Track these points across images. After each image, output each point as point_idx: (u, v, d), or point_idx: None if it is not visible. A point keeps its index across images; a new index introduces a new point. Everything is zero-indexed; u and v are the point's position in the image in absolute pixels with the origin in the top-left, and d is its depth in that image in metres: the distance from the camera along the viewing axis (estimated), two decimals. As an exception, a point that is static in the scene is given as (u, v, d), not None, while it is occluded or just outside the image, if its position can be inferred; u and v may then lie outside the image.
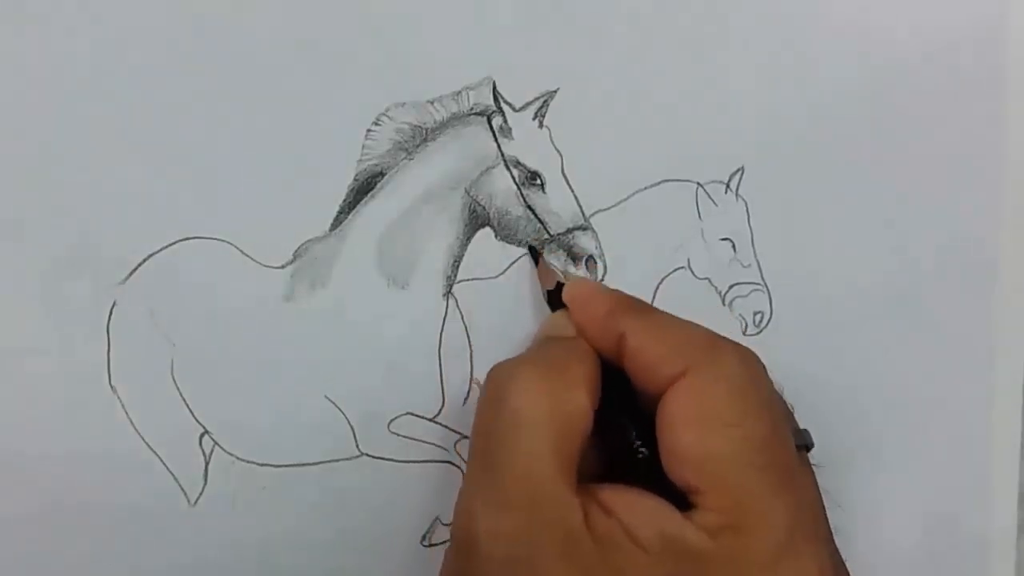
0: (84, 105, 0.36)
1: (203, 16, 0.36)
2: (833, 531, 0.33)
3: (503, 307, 0.38)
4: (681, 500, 0.31)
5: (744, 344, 0.33)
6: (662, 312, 0.35)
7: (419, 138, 0.38)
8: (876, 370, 0.42)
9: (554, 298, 0.37)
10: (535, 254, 0.38)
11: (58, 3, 0.35)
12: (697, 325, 0.34)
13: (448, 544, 0.33)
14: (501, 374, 0.33)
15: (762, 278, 0.41)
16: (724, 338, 0.33)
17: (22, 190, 0.36)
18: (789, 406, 0.35)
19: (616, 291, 0.36)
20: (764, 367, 0.33)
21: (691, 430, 0.31)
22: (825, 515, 0.33)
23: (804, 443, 0.34)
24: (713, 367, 0.32)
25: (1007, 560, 0.43)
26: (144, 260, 0.36)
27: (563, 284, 0.37)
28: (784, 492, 0.30)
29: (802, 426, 0.35)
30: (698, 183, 0.40)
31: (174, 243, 0.37)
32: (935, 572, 0.43)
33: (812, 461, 0.34)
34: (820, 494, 0.33)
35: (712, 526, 0.30)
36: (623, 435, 0.33)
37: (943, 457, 0.42)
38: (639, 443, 0.33)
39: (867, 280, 0.42)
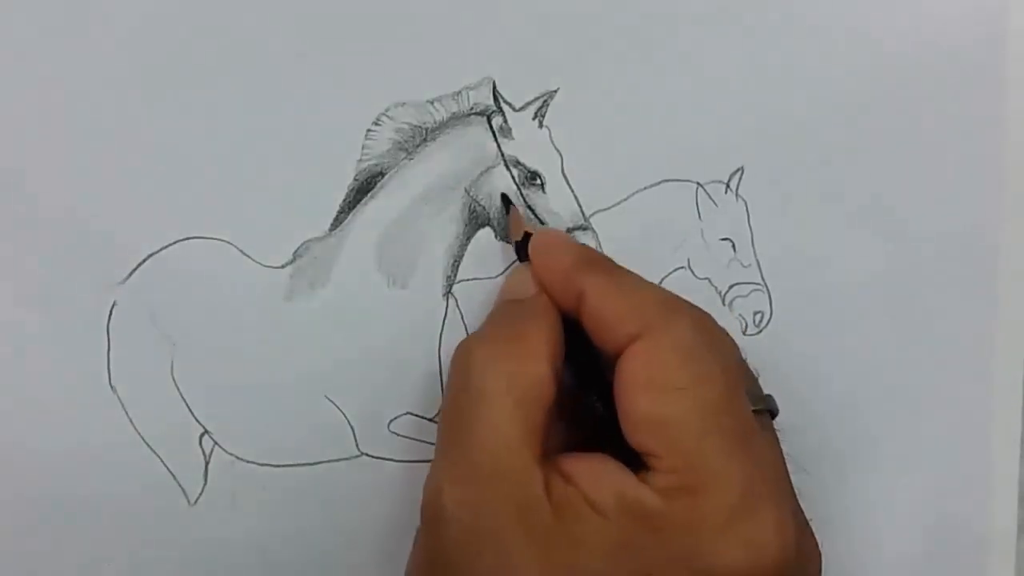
0: (84, 105, 0.36)
1: (203, 16, 0.36)
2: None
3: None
4: (640, 463, 0.31)
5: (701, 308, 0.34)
6: (625, 271, 0.35)
7: (419, 138, 0.38)
8: (876, 370, 0.42)
9: (521, 249, 0.37)
10: (507, 203, 0.38)
11: (58, 3, 0.35)
12: (657, 287, 0.34)
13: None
14: (462, 351, 0.33)
15: (762, 278, 0.41)
16: (681, 300, 0.33)
17: (22, 190, 0.36)
18: (753, 371, 0.35)
19: (583, 246, 0.36)
20: (723, 331, 0.34)
21: (644, 393, 0.31)
22: (786, 478, 0.33)
23: (768, 408, 0.34)
24: (667, 330, 0.32)
25: (1007, 560, 0.43)
26: (144, 260, 0.36)
27: (530, 234, 0.37)
28: (738, 453, 0.30)
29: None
30: (698, 183, 0.40)
31: (174, 243, 0.37)
32: (935, 572, 0.43)
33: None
34: (782, 457, 0.33)
35: (666, 488, 0.30)
36: (585, 396, 0.33)
37: (943, 457, 0.42)
38: (597, 402, 0.33)
39: (867, 280, 0.42)
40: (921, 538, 0.43)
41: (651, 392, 0.31)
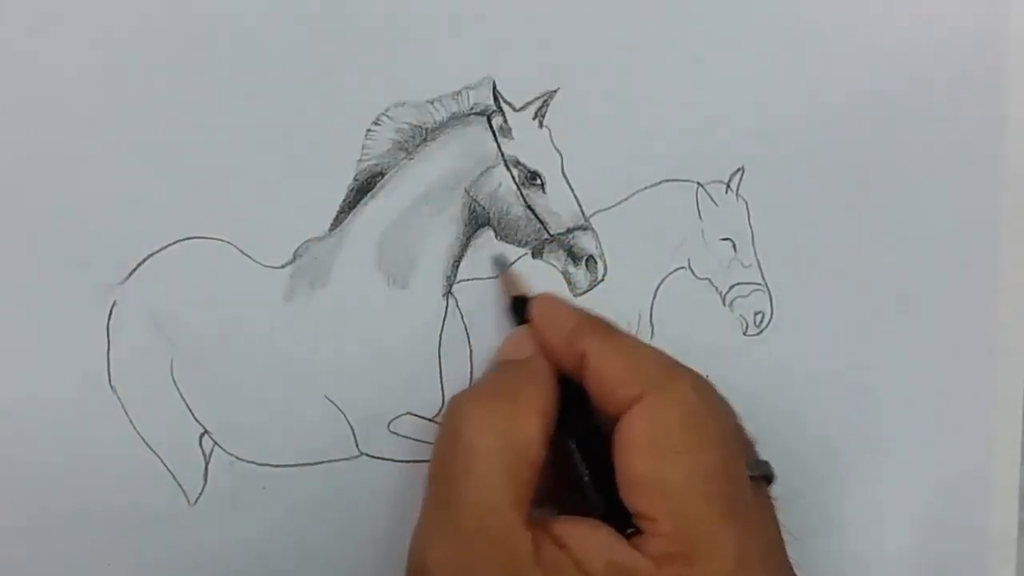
0: (84, 105, 0.36)
1: (203, 16, 0.36)
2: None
3: (503, 307, 0.38)
4: (634, 526, 0.31)
5: (698, 372, 0.34)
6: (625, 334, 0.35)
7: (419, 138, 0.38)
8: (876, 370, 0.42)
9: (516, 308, 0.37)
10: (500, 265, 0.38)
11: (59, 3, 0.35)
12: (657, 350, 0.34)
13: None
14: (454, 406, 0.33)
15: (762, 278, 0.41)
16: (681, 365, 0.34)
17: (22, 190, 0.36)
18: (751, 437, 0.35)
19: (581, 309, 0.36)
20: (723, 397, 0.34)
21: (642, 456, 0.31)
22: (780, 547, 0.33)
23: (764, 474, 0.34)
24: (668, 393, 0.32)
25: (1007, 560, 0.43)
26: (144, 260, 0.36)
27: (524, 297, 0.37)
28: (734, 520, 0.30)
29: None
30: (698, 183, 0.40)
31: (174, 243, 0.37)
32: (935, 572, 0.43)
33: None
34: (776, 524, 0.33)
35: (660, 554, 0.30)
36: (577, 459, 0.33)
37: (943, 457, 0.42)
38: (586, 473, 0.33)
39: (867, 280, 0.42)
40: (921, 539, 0.43)
41: (651, 454, 0.31)
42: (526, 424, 0.32)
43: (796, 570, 0.33)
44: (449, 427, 0.33)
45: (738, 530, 0.30)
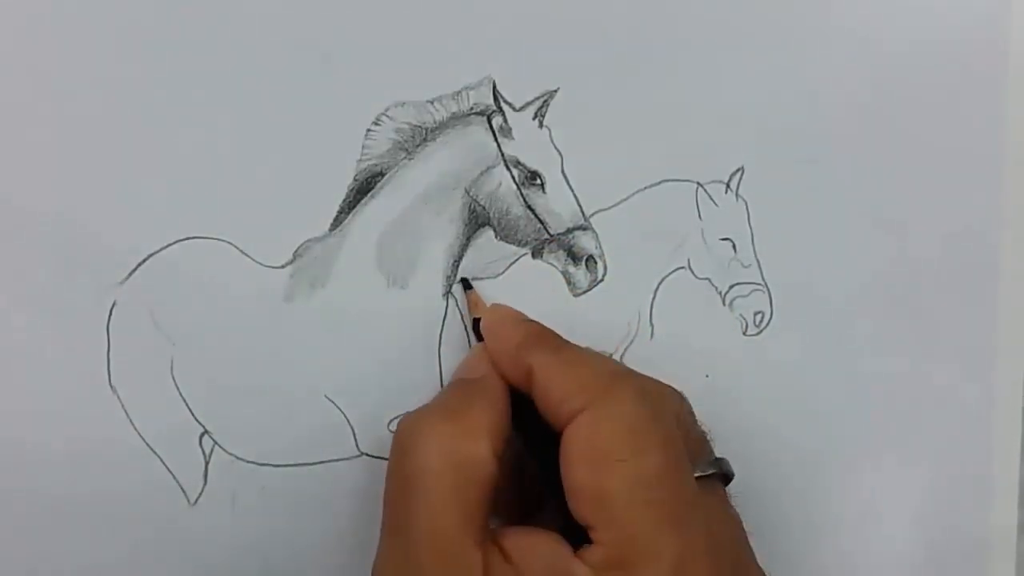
0: (84, 105, 0.36)
1: (203, 16, 0.36)
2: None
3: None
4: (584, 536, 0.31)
5: (653, 377, 0.34)
6: (572, 347, 0.35)
7: (419, 138, 0.38)
8: (876, 370, 0.42)
9: (476, 328, 0.37)
10: (467, 286, 0.38)
11: (58, 3, 0.35)
12: (604, 359, 0.34)
13: None
14: (404, 427, 0.33)
15: (762, 278, 0.41)
16: (628, 372, 0.34)
17: (22, 190, 0.36)
18: (707, 434, 0.35)
19: (532, 323, 0.36)
20: (672, 396, 0.34)
21: (583, 466, 0.31)
22: (733, 546, 0.33)
23: (722, 471, 0.34)
24: (609, 403, 0.32)
25: (1007, 560, 0.43)
26: (144, 260, 0.36)
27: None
28: (675, 528, 0.30)
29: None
30: (698, 183, 0.40)
31: (174, 243, 0.37)
32: (935, 572, 0.43)
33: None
34: (731, 526, 0.33)
35: (599, 563, 0.30)
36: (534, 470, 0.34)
37: (943, 457, 0.42)
38: (544, 485, 0.33)
39: (867, 280, 0.42)
40: (921, 538, 0.43)
41: (591, 464, 0.31)
42: (474, 444, 0.32)
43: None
44: (398, 449, 0.33)
45: (679, 536, 0.30)
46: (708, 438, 0.35)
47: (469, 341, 0.38)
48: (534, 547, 0.31)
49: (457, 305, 0.38)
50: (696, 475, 0.32)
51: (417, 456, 0.32)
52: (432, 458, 0.31)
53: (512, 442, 0.33)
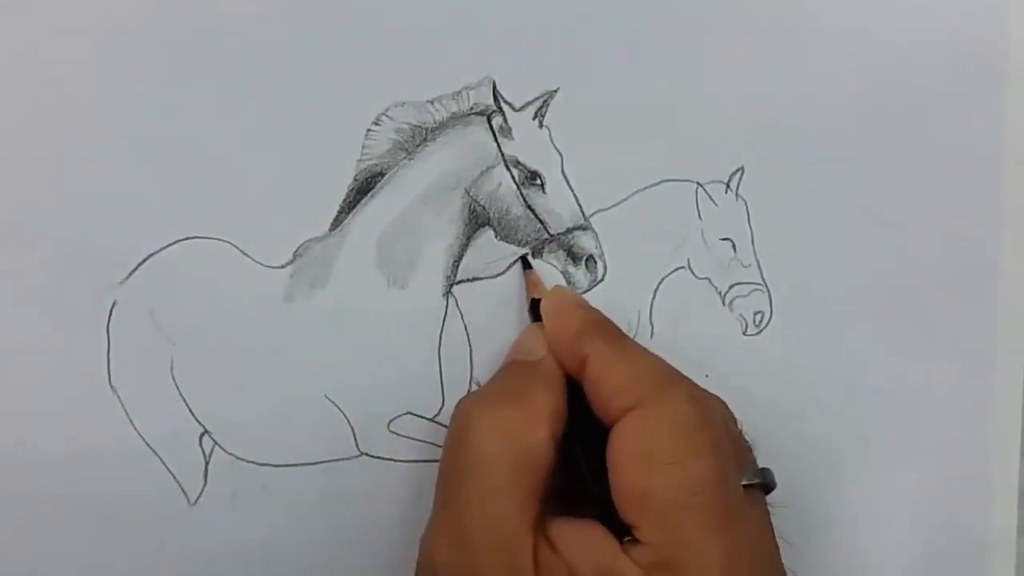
0: (84, 105, 0.36)
1: (203, 16, 0.36)
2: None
3: (503, 307, 0.38)
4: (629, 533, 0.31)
5: (700, 384, 0.34)
6: (629, 341, 0.35)
7: (419, 138, 0.38)
8: (876, 370, 0.42)
9: (533, 310, 0.37)
10: (526, 265, 0.38)
11: (58, 3, 0.35)
12: (658, 359, 0.34)
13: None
14: (463, 409, 0.33)
15: (762, 278, 0.41)
16: (679, 375, 0.34)
17: (22, 190, 0.36)
18: (750, 444, 0.35)
19: (592, 310, 0.36)
20: (720, 405, 0.34)
21: (632, 467, 0.31)
22: (772, 557, 0.33)
23: (764, 482, 0.34)
24: (661, 404, 0.32)
25: (1007, 560, 0.43)
26: (144, 260, 0.36)
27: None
28: (721, 532, 0.30)
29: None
30: (698, 183, 0.40)
31: (174, 243, 0.37)
32: (935, 572, 0.43)
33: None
34: (769, 535, 0.33)
35: (646, 562, 0.30)
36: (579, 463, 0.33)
37: (943, 457, 0.42)
38: (590, 477, 0.33)
39: (867, 280, 0.42)
40: (921, 538, 0.43)
41: (640, 464, 0.31)
42: (535, 430, 0.32)
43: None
44: (458, 431, 0.33)
45: (726, 542, 0.30)
46: (752, 447, 0.35)
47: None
48: (580, 539, 0.31)
49: (457, 305, 0.38)
50: (742, 483, 0.32)
51: (476, 440, 0.32)
52: (491, 443, 0.32)
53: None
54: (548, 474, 0.32)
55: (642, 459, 0.31)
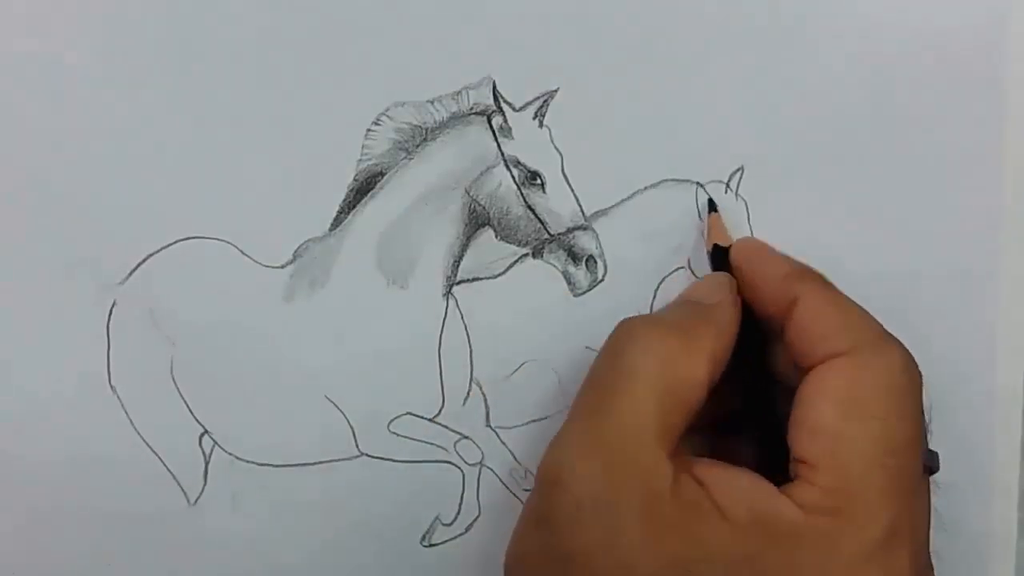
0: (84, 105, 0.36)
1: (203, 16, 0.36)
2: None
3: (503, 307, 0.38)
4: (782, 472, 0.31)
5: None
6: (838, 290, 0.35)
7: (419, 138, 0.38)
8: (876, 370, 0.42)
9: (715, 256, 0.37)
10: (712, 207, 0.38)
11: (58, 3, 0.35)
12: (871, 316, 0.34)
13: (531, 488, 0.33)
14: (625, 327, 0.33)
15: (762, 278, 0.41)
16: (894, 337, 0.33)
17: (22, 191, 0.36)
18: (927, 427, 0.35)
19: (790, 257, 0.36)
20: (922, 379, 0.33)
21: (832, 408, 0.31)
22: (927, 538, 0.32)
23: (929, 465, 0.33)
24: (877, 357, 0.32)
25: (1007, 560, 0.43)
26: (144, 260, 0.36)
27: (723, 247, 0.37)
28: (898, 496, 0.30)
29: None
30: (698, 183, 0.40)
31: (174, 243, 0.37)
32: (935, 572, 0.43)
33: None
34: (929, 517, 0.33)
35: (810, 503, 0.30)
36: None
37: (943, 457, 0.42)
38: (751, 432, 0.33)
39: (866, 279, 0.41)
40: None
41: (841, 408, 0.31)
42: (693, 364, 0.32)
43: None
44: (616, 345, 0.33)
45: (897, 509, 0.30)
46: (928, 429, 0.35)
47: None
48: (730, 479, 0.31)
49: (457, 305, 0.38)
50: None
51: (632, 358, 0.32)
52: (649, 363, 0.31)
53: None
54: (694, 412, 0.32)
55: (845, 404, 0.31)
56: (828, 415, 0.31)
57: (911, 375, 0.32)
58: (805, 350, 0.33)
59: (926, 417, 0.34)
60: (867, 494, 0.30)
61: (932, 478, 0.34)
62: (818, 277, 0.35)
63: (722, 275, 0.36)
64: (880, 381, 0.31)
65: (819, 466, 0.30)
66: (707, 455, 0.33)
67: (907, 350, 0.33)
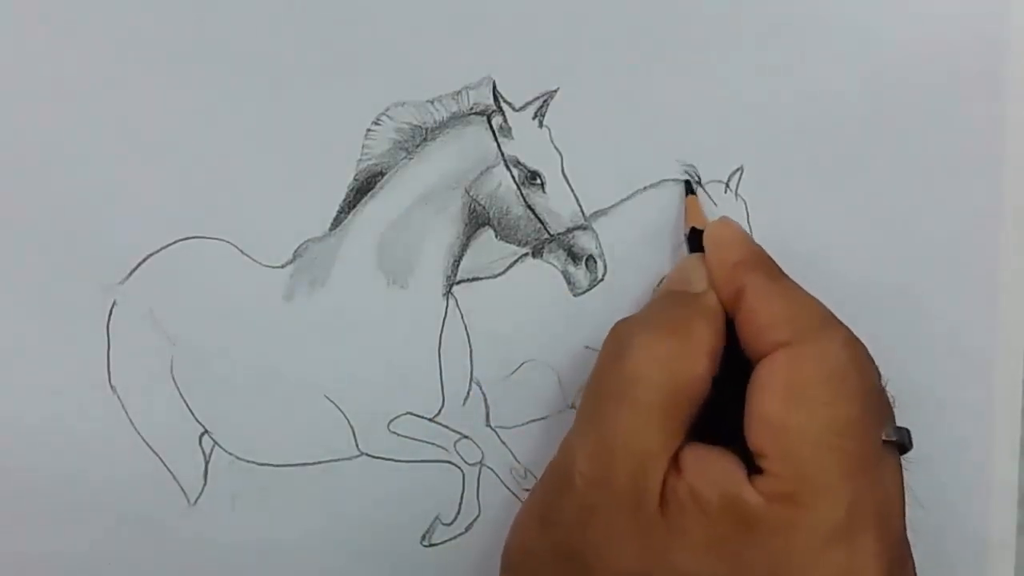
0: (84, 105, 0.36)
1: (203, 16, 0.36)
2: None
3: (503, 307, 0.38)
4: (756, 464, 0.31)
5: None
6: (788, 279, 0.35)
7: (419, 138, 0.38)
8: (876, 370, 0.42)
9: (692, 239, 0.37)
10: (689, 189, 0.38)
11: (58, 3, 0.35)
12: (818, 302, 0.34)
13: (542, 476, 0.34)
14: (622, 331, 0.33)
15: (762, 278, 0.41)
16: (837, 319, 0.33)
17: (22, 190, 0.36)
18: (891, 401, 0.34)
19: (755, 245, 0.36)
20: (870, 356, 0.33)
21: (777, 397, 0.31)
22: (899, 511, 0.32)
23: (900, 441, 0.33)
24: (818, 343, 0.32)
25: (1007, 560, 0.43)
26: (144, 260, 0.36)
27: (700, 229, 0.37)
28: (853, 478, 0.30)
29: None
30: (687, 176, 0.40)
31: (174, 243, 0.37)
32: (935, 572, 0.43)
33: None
34: (900, 492, 0.33)
35: (770, 492, 0.30)
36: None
37: (943, 457, 0.42)
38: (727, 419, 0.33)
39: (867, 280, 0.42)
40: (921, 538, 0.43)
41: (786, 397, 0.31)
42: (696, 364, 0.32)
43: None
44: (615, 350, 0.33)
45: (854, 488, 0.30)
46: (893, 405, 0.35)
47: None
48: (707, 464, 0.31)
49: (457, 305, 0.38)
50: (882, 439, 0.32)
51: (633, 363, 0.32)
52: (650, 370, 0.32)
53: None
54: (698, 407, 0.32)
55: (790, 393, 0.31)
56: (773, 406, 0.31)
57: (853, 356, 0.32)
58: (750, 342, 0.33)
59: (889, 396, 0.34)
60: (821, 478, 0.30)
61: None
62: (764, 266, 0.35)
63: (698, 257, 0.36)
64: (823, 367, 0.31)
65: (770, 456, 0.31)
66: (698, 429, 0.33)
67: (850, 332, 0.33)
